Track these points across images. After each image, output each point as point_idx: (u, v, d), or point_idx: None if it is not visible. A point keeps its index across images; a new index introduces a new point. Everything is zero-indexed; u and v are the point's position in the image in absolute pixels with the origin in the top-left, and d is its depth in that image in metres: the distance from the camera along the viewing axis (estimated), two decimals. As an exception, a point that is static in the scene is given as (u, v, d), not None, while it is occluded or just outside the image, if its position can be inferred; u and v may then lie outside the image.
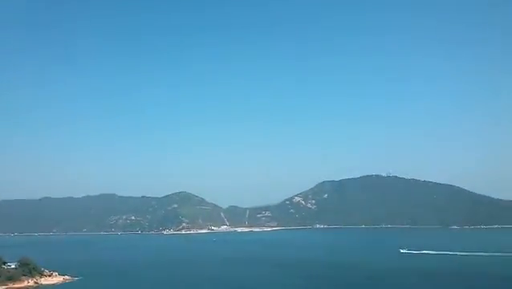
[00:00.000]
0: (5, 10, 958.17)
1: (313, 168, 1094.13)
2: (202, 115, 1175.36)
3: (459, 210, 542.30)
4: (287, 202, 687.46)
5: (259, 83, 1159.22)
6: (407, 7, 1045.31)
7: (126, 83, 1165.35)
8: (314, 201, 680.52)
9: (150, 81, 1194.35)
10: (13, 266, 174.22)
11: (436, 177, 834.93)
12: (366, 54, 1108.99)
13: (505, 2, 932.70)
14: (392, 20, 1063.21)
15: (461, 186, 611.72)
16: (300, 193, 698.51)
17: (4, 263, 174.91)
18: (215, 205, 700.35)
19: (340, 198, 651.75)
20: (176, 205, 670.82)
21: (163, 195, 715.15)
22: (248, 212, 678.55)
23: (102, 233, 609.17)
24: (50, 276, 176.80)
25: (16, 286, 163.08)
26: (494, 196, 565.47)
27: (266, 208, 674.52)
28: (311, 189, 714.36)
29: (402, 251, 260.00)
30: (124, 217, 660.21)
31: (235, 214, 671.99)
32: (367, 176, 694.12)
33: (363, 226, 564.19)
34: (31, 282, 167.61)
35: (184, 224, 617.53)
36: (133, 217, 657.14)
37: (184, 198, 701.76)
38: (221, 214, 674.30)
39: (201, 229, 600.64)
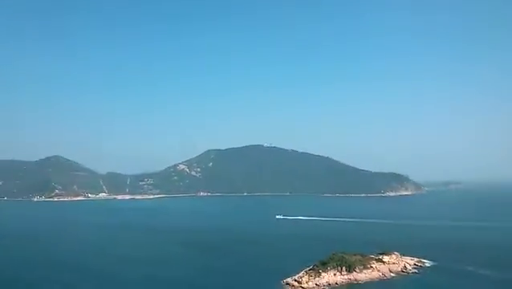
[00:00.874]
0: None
1: (202, 139, 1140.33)
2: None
3: (332, 180, 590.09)
4: (171, 170, 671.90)
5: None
6: None
7: None
8: (199, 169, 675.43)
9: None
10: None
11: (314, 149, 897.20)
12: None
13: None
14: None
15: (334, 158, 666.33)
16: (185, 161, 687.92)
17: None
18: (92, 172, 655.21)
19: (224, 167, 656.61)
20: (50, 170, 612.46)
21: (36, 159, 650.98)
22: (129, 179, 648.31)
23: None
24: None
25: None
26: (361, 167, 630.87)
27: (149, 175, 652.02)
28: (197, 156, 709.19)
29: (278, 217, 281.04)
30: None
31: (115, 182, 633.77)
32: (250, 145, 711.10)
33: (246, 194, 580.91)
34: None
35: (57, 190, 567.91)
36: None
37: (57, 163, 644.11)
38: (100, 181, 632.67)
39: (77, 196, 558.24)
